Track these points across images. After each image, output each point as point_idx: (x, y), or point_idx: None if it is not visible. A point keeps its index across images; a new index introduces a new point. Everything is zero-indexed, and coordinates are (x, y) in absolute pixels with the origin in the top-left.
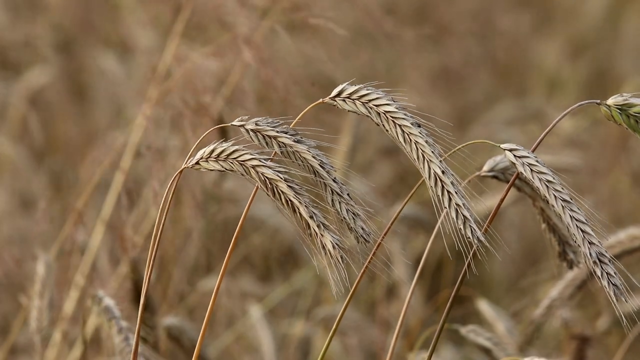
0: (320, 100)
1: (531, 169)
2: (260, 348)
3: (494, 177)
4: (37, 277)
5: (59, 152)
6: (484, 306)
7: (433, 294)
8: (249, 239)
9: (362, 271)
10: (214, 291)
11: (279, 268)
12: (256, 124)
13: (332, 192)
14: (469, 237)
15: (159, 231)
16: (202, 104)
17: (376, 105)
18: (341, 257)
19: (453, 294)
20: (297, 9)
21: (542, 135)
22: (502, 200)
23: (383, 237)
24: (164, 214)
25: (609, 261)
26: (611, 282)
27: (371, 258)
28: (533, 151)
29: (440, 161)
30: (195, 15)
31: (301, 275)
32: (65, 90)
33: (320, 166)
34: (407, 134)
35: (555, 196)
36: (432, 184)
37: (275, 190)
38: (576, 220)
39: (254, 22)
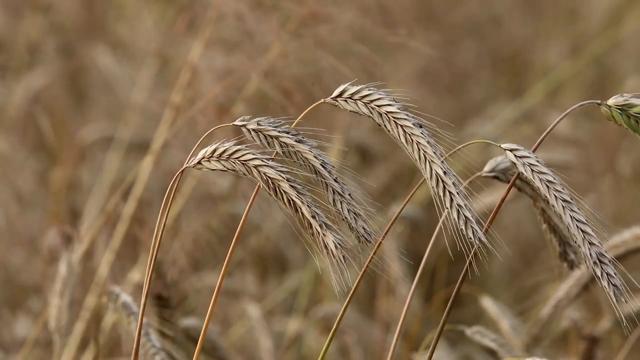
0: (322, 100)
1: (532, 169)
2: (258, 347)
3: (495, 177)
4: (59, 276)
5: (57, 152)
6: (487, 303)
7: (431, 294)
8: (244, 238)
9: (362, 271)
10: (216, 290)
11: (274, 268)
12: (258, 124)
13: (334, 192)
14: (471, 238)
15: (161, 230)
16: (224, 109)
17: (378, 106)
18: (343, 257)
19: (454, 293)
20: (316, 17)
21: (543, 135)
22: (502, 200)
23: (383, 237)
24: (166, 212)
25: (609, 262)
26: (611, 283)
27: (372, 258)
28: (534, 151)
29: (442, 162)
30: (216, 21)
31: (298, 275)
32: (65, 91)
33: (322, 166)
34: (409, 135)
35: (555, 196)
36: (434, 184)
37: (277, 190)
38: (576, 220)
39: (275, 29)
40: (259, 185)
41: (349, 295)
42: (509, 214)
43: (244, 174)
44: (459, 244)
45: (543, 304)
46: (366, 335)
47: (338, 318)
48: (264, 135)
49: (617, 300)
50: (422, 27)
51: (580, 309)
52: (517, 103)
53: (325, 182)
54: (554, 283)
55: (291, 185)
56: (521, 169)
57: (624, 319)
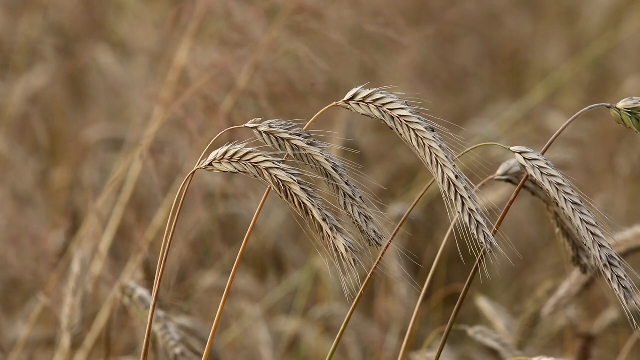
0: (334, 103)
1: (541, 172)
2: (256, 347)
3: (508, 180)
4: (72, 274)
5: (56, 151)
6: (483, 303)
7: (429, 292)
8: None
9: (370, 272)
10: (225, 290)
11: (273, 267)
12: (269, 126)
13: (345, 194)
14: (482, 242)
15: (171, 231)
16: (213, 105)
17: (390, 110)
18: (353, 260)
19: (462, 296)
20: (304, 11)
21: (552, 139)
22: (510, 202)
23: (392, 239)
24: (176, 214)
25: (619, 264)
26: (622, 285)
27: (380, 260)
28: (543, 154)
29: (454, 165)
30: (206, 17)
31: (296, 274)
32: (65, 91)
33: (333, 169)
34: (421, 138)
35: (565, 199)
36: (445, 188)
37: (288, 192)
38: (586, 223)
39: (264, 24)
40: (270, 187)
41: (357, 298)
42: (509, 213)
43: (255, 176)
44: (468, 245)
45: (534, 303)
46: (364, 334)
47: (345, 320)
48: (276, 138)
49: (627, 302)
50: (419, 25)
51: (577, 307)
52: (517, 103)
53: (336, 184)
54: (552, 282)
55: (302, 188)
56: (530, 171)
57: (632, 317)
